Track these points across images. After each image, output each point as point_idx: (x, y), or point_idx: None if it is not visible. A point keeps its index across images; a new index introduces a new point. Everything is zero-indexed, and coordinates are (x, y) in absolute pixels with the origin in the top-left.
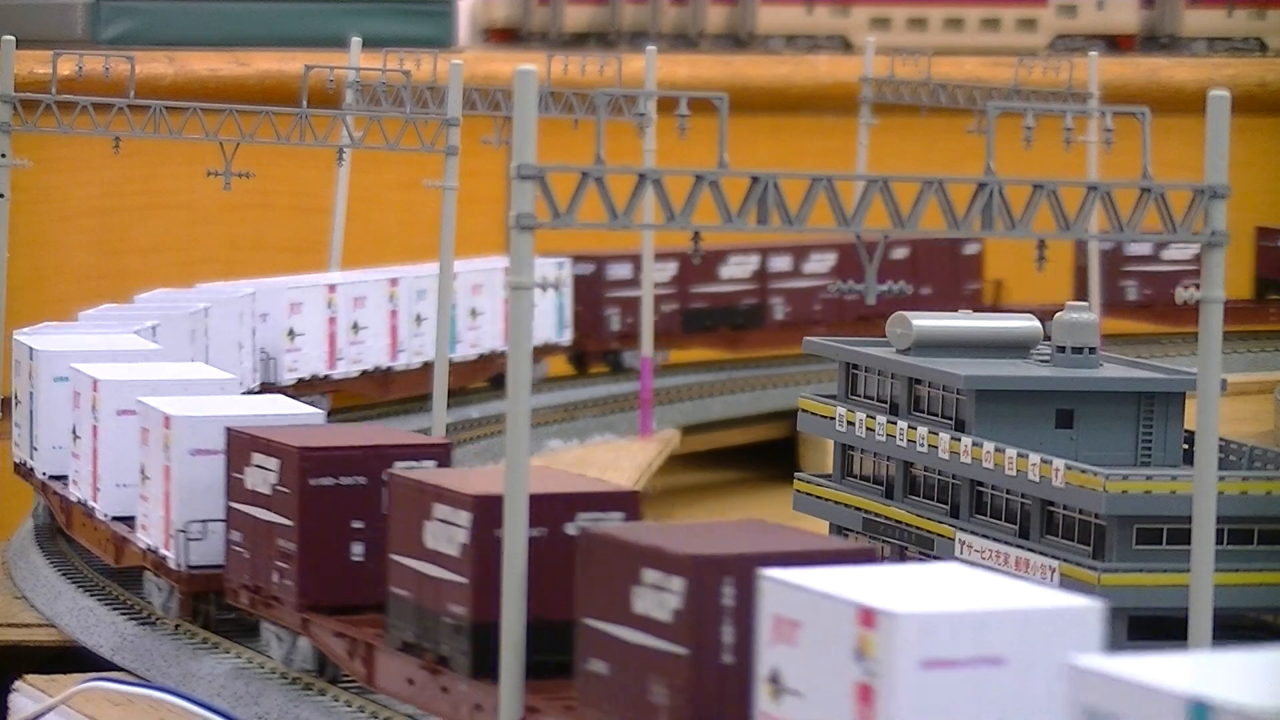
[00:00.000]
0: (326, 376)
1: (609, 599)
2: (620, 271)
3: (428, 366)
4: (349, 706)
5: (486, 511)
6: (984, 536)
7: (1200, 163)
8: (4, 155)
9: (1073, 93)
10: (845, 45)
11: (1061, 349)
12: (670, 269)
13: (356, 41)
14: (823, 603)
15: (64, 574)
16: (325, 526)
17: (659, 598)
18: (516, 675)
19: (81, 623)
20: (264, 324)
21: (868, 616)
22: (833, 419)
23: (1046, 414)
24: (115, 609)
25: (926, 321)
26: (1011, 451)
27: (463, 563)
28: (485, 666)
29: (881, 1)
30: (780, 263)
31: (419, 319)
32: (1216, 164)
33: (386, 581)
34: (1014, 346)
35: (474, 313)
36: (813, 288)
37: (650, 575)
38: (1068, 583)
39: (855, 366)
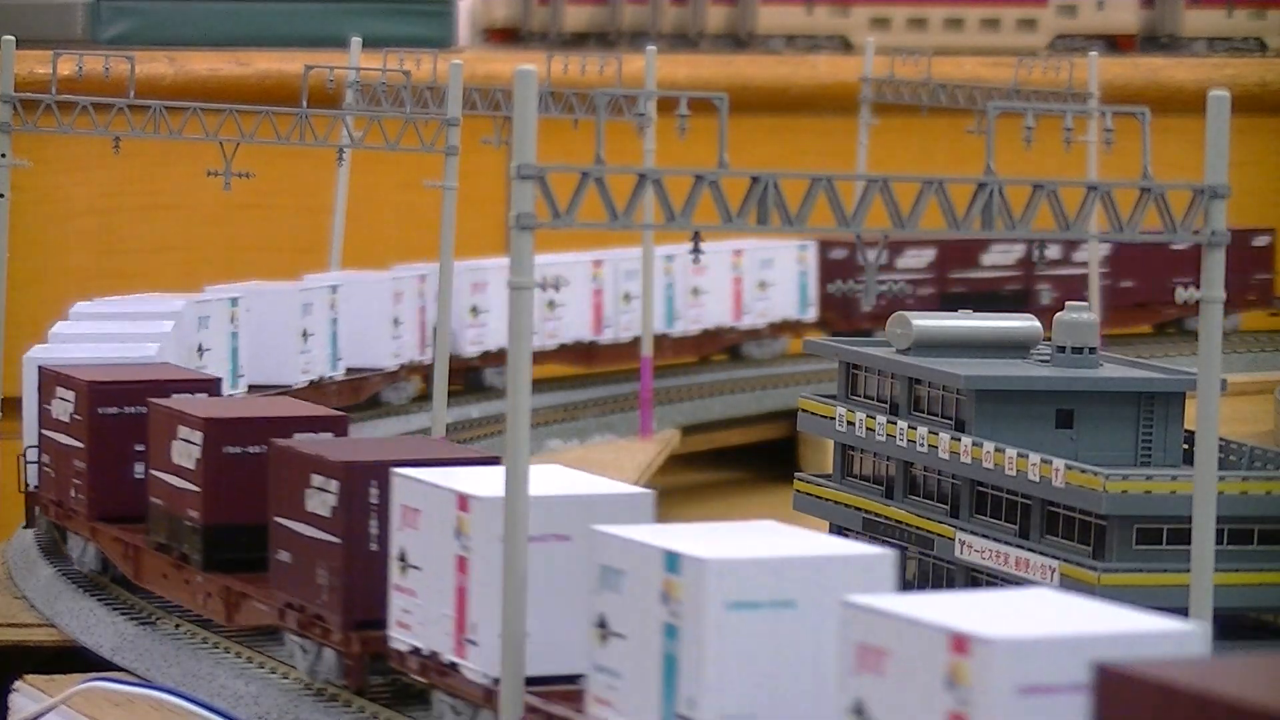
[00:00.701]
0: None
1: (289, 500)
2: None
3: (635, 340)
4: (348, 707)
5: (214, 431)
6: (984, 536)
7: (1200, 163)
8: (4, 155)
9: (1073, 93)
10: (845, 45)
11: (1061, 349)
12: (928, 255)
13: (356, 41)
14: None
15: (64, 574)
16: (109, 449)
17: (322, 498)
18: (517, 675)
19: (81, 623)
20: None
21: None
22: (833, 419)
23: (1046, 414)
24: (115, 609)
25: (926, 321)
26: (1011, 451)
27: (196, 474)
28: (214, 562)
29: (881, 1)
30: (1049, 250)
31: (627, 297)
32: (1216, 164)
33: (148, 493)
34: (1014, 346)
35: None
36: (1083, 275)
37: (316, 479)
38: (1067, 583)
39: (855, 366)
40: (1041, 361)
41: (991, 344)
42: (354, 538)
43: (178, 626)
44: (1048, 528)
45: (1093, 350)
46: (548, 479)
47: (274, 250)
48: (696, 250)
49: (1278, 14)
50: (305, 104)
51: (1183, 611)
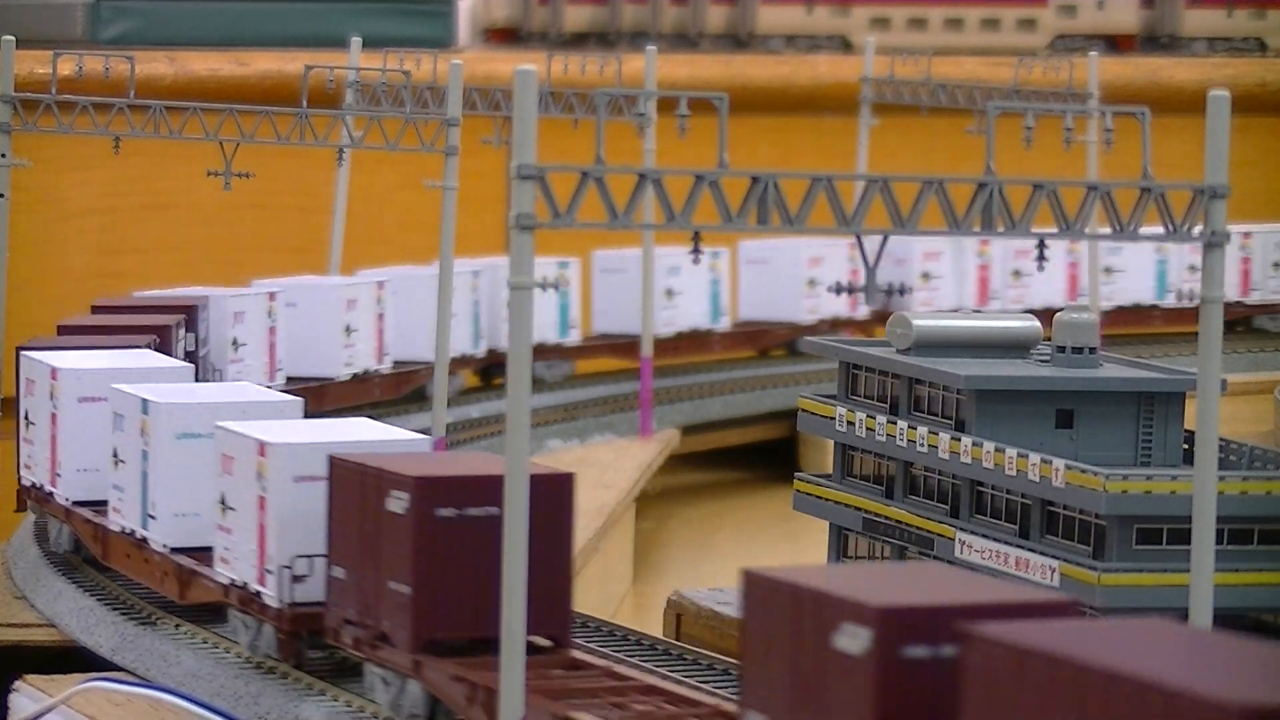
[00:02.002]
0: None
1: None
2: None
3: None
4: (349, 706)
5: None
6: (984, 536)
7: (1200, 163)
8: (4, 155)
9: (1073, 93)
10: (845, 45)
11: (1061, 349)
12: None
13: (356, 41)
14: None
15: (64, 574)
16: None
17: None
18: (517, 675)
19: (81, 623)
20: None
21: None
22: (833, 419)
23: (1046, 414)
24: (115, 609)
25: (926, 321)
26: (1011, 451)
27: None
28: None
29: (881, 1)
30: None
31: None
32: (1216, 164)
33: None
34: (1014, 346)
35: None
36: None
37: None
38: (1068, 583)
39: (855, 366)
40: (1041, 361)
41: (991, 344)
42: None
43: (178, 627)
44: (1048, 528)
45: (1093, 350)
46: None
47: (274, 250)
48: (696, 250)
49: (1278, 14)
50: (305, 104)
51: (1183, 611)
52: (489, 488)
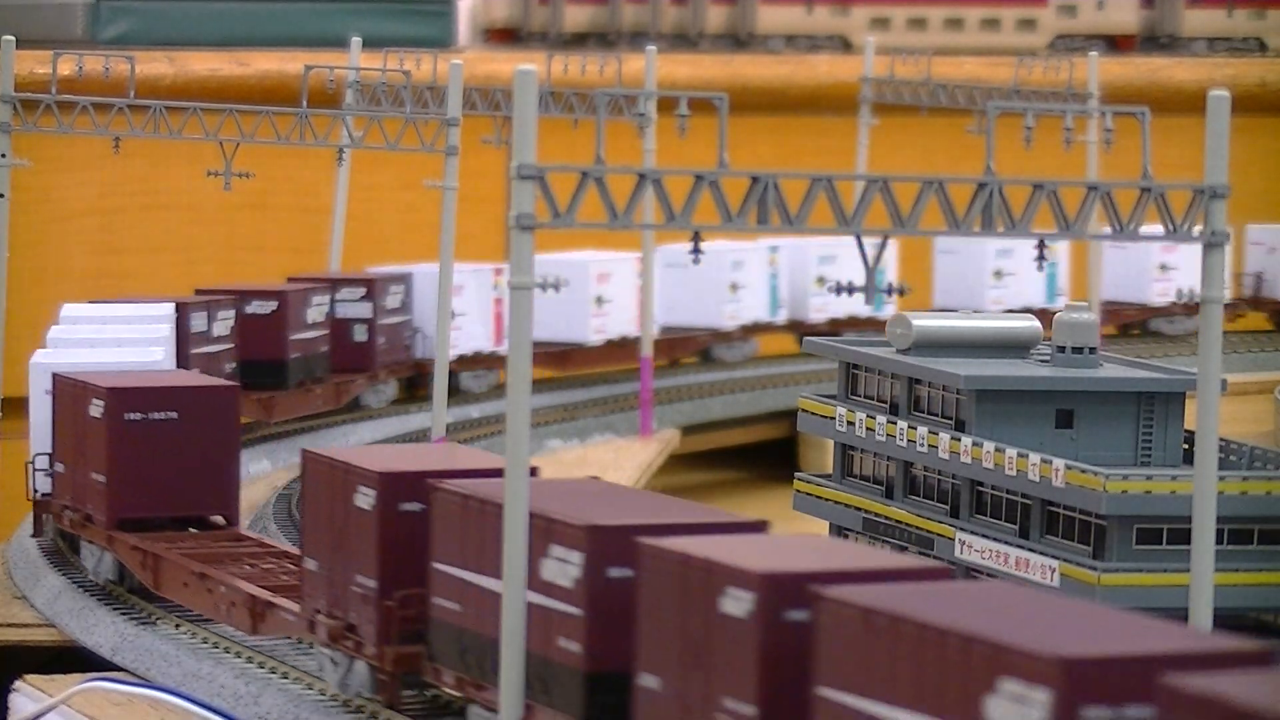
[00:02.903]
0: None
1: None
2: None
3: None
4: (348, 707)
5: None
6: (984, 536)
7: (1200, 163)
8: (4, 155)
9: (1073, 93)
10: (845, 45)
11: (1061, 349)
12: None
13: (356, 41)
14: None
15: (64, 574)
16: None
17: None
18: (516, 675)
19: (81, 623)
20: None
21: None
22: (833, 419)
23: (1046, 414)
24: (115, 609)
25: (926, 321)
26: (1011, 451)
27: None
28: None
29: (881, 1)
30: None
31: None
32: (1216, 164)
33: None
34: (1014, 346)
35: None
36: None
37: None
38: (1068, 583)
39: (855, 366)
40: (1041, 361)
41: (991, 344)
42: None
43: (178, 627)
44: (1048, 528)
45: (1093, 350)
46: None
47: (273, 250)
48: (696, 250)
49: (1278, 14)
50: (305, 104)
51: (1183, 612)
52: (169, 396)
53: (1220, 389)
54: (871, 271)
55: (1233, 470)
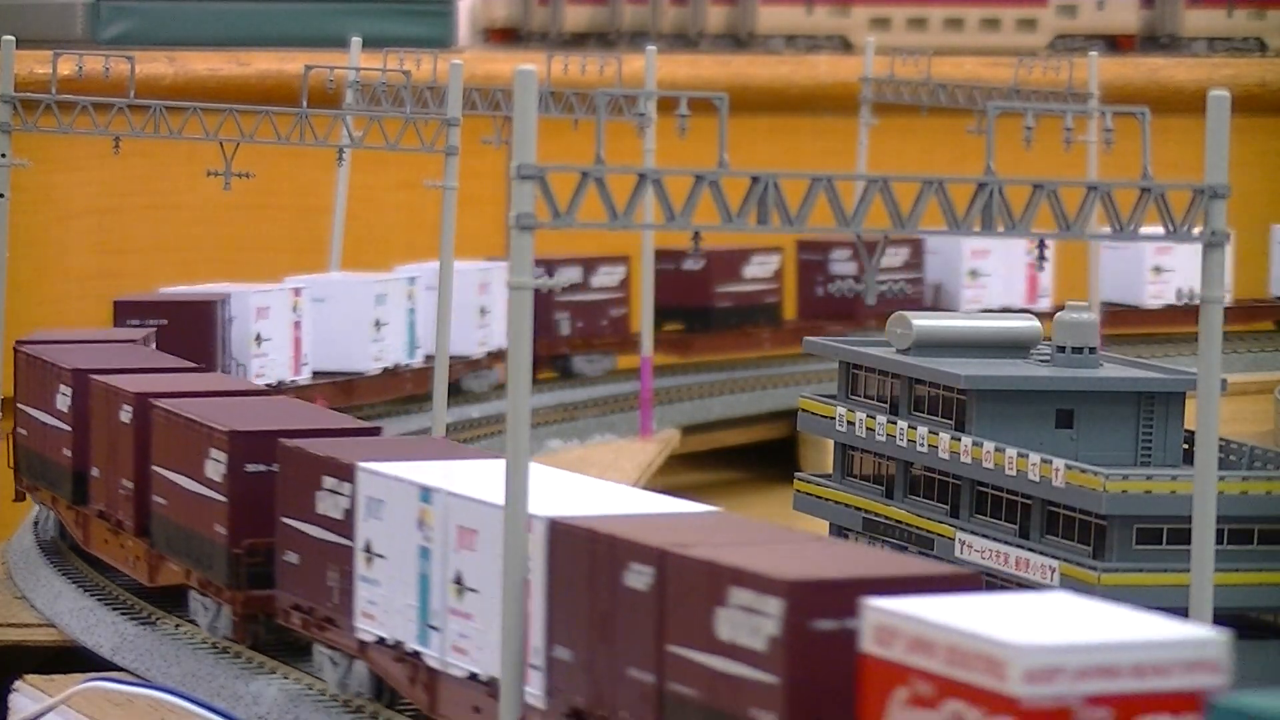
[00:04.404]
0: None
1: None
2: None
3: None
4: (348, 707)
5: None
6: (984, 536)
7: (1200, 163)
8: (4, 155)
9: (1073, 93)
10: (845, 45)
11: (1061, 349)
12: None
13: (356, 41)
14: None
15: (64, 574)
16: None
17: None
18: (517, 676)
19: (81, 623)
20: None
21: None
22: (833, 419)
23: (1046, 414)
24: (115, 609)
25: (926, 321)
26: (1011, 451)
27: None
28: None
29: (881, 1)
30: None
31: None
32: (1216, 164)
33: None
34: (1014, 346)
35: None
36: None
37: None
38: (1068, 582)
39: (855, 366)
40: (1041, 361)
41: (991, 344)
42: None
43: (178, 627)
44: (1048, 527)
45: (1093, 350)
46: None
47: (274, 250)
48: (696, 251)
49: (1278, 14)
50: (305, 104)
51: (1183, 611)
52: None
53: (1220, 389)
54: (872, 271)
55: (1233, 470)
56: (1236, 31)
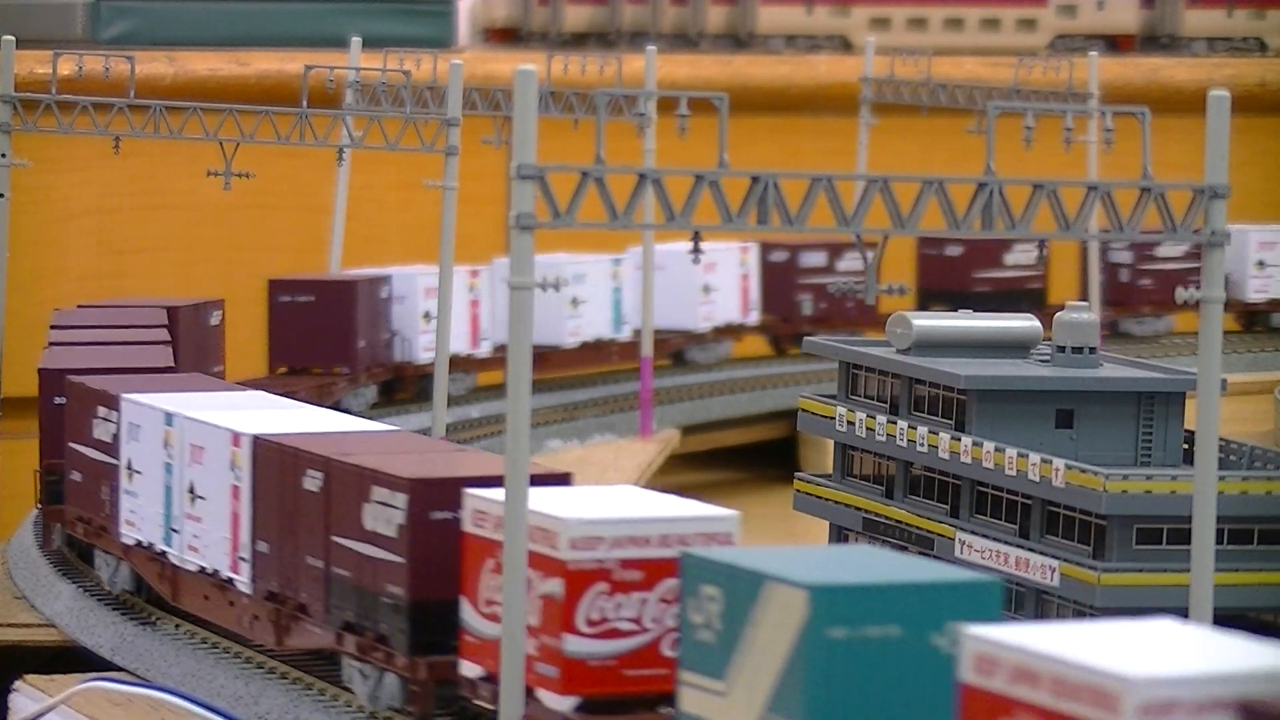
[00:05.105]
0: None
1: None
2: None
3: None
4: (349, 707)
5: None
6: (984, 536)
7: (1200, 163)
8: (4, 155)
9: (1073, 93)
10: (845, 45)
11: (1061, 349)
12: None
13: (356, 41)
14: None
15: (64, 574)
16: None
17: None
18: (516, 676)
19: (81, 623)
20: None
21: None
22: (833, 419)
23: (1046, 414)
24: (115, 609)
25: (926, 321)
26: (1011, 451)
27: None
28: None
29: (881, 1)
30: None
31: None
32: (1216, 164)
33: None
34: (1014, 346)
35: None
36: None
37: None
38: (1068, 583)
39: (855, 366)
40: (1041, 361)
41: (991, 344)
42: None
43: (178, 627)
44: (1048, 528)
45: (1093, 350)
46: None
47: (274, 250)
48: (696, 250)
49: (1278, 14)
50: (305, 104)
51: (1183, 611)
52: None
53: (1220, 389)
54: (873, 272)
55: (1233, 470)
56: (1236, 31)
